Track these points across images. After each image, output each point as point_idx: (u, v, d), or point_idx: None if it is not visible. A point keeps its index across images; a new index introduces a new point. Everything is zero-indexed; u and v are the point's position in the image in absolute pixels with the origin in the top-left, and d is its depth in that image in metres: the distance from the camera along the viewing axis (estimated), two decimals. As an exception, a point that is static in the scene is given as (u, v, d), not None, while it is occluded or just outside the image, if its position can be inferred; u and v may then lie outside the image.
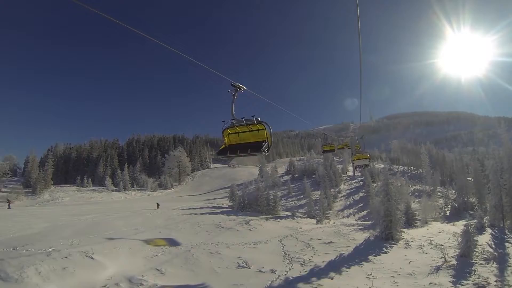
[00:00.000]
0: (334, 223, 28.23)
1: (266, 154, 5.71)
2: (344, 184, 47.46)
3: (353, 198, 40.01)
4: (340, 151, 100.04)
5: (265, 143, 5.57)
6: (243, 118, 5.62)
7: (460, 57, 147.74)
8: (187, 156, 74.00)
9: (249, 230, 20.76)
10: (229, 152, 5.90)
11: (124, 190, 60.69)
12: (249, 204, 31.16)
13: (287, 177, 54.37)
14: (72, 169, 67.74)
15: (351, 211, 35.79)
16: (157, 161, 75.89)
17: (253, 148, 5.64)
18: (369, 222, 26.48)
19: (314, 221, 27.56)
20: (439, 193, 40.90)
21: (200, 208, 33.44)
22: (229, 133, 5.91)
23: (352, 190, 43.33)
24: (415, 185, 47.87)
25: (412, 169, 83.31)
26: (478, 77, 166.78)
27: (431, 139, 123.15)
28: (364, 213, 34.79)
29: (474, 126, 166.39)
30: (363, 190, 42.10)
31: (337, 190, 43.00)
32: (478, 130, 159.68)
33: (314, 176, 49.24)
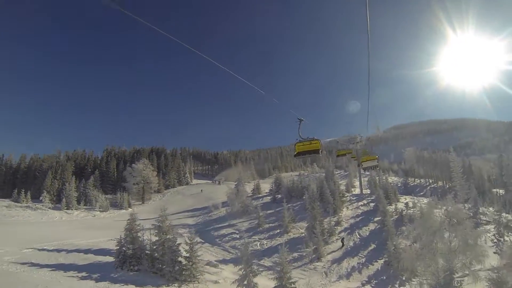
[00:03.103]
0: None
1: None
2: (348, 207, 31.80)
3: (359, 234, 24.33)
4: (343, 161, 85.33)
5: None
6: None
7: (464, 63, 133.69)
8: (153, 170, 59.13)
9: None
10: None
11: (66, 209, 46.17)
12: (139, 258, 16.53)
13: (269, 199, 38.78)
14: (20, 182, 54.46)
15: (355, 261, 20.14)
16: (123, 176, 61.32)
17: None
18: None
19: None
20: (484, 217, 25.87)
21: (86, 250, 18.65)
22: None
23: (358, 219, 27.64)
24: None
25: (430, 182, 67.41)
26: (483, 83, 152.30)
27: (443, 147, 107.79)
28: (379, 265, 19.27)
29: (486, 133, 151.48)
30: (374, 220, 26.46)
31: (335, 219, 27.39)
32: (493, 136, 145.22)
33: (304, 197, 33.54)
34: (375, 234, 23.76)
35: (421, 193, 55.61)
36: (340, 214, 29.12)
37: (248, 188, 46.05)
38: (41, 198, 47.72)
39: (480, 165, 64.36)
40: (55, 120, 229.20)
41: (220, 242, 26.05)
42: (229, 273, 18.36)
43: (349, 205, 32.86)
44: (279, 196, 36.60)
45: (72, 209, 45.77)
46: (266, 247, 23.67)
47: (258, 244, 24.15)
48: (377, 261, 19.66)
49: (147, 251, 17.42)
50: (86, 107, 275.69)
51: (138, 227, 18.17)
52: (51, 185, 52.40)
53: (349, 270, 18.81)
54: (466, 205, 32.34)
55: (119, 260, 17.37)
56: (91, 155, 71.70)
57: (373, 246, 21.99)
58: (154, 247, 17.35)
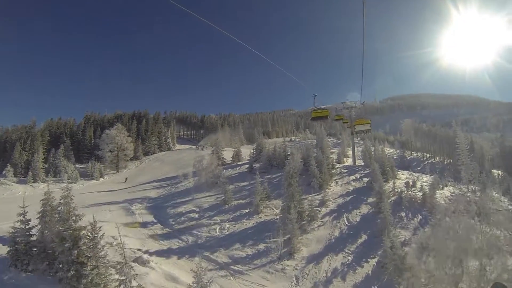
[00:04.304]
0: None
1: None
2: (337, 182, 26.05)
3: (347, 220, 18.65)
4: (338, 129, 79.28)
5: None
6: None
7: (466, 41, 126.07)
8: (128, 136, 52.71)
9: None
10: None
11: (33, 182, 40.64)
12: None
13: (255, 165, 32.70)
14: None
15: (339, 260, 14.53)
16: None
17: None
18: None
19: None
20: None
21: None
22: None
23: (348, 199, 21.91)
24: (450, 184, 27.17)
25: (428, 156, 62.10)
26: (485, 61, 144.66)
27: (441, 122, 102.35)
28: (369, 267, 13.76)
29: (486, 111, 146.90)
30: (367, 201, 20.82)
31: (320, 197, 21.68)
32: (492, 115, 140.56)
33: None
34: (367, 220, 18.14)
35: (418, 168, 50.29)
36: (327, 190, 23.39)
37: (229, 154, 40.14)
38: (4, 172, 41.83)
39: (481, 143, 58.84)
40: (38, 88, 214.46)
41: (173, 223, 20.43)
42: (161, 276, 12.76)
43: (339, 179, 27.06)
44: (256, 165, 30.57)
45: (39, 182, 40.44)
46: (227, 232, 18.02)
47: (217, 229, 18.45)
48: (368, 262, 14.12)
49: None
50: (72, 73, 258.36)
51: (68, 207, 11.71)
52: (19, 157, 46.44)
53: (329, 274, 13.24)
54: (470, 187, 27.05)
55: (11, 256, 11.67)
56: (71, 122, 64.83)
57: (364, 237, 16.40)
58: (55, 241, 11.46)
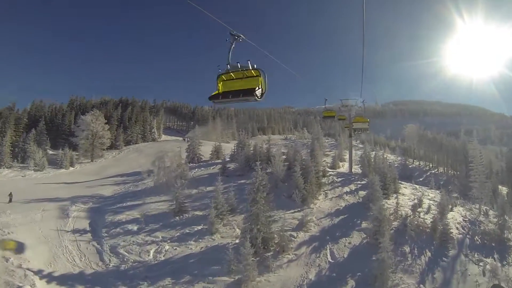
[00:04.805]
0: None
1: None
2: (327, 195, 20.70)
3: (332, 254, 13.29)
4: (337, 129, 73.97)
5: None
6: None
7: (472, 51, 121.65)
8: (106, 123, 47.46)
9: None
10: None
11: None
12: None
13: (230, 166, 27.26)
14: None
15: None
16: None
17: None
18: None
19: None
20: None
21: None
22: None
23: (336, 220, 16.55)
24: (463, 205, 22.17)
25: (431, 166, 56.72)
26: (491, 72, 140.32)
27: (443, 130, 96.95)
28: None
29: (488, 123, 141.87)
30: (361, 225, 15.57)
31: (301, 214, 16.40)
32: (495, 127, 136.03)
33: (269, 171, 22.12)
34: (359, 256, 12.92)
35: (421, 179, 44.97)
36: (311, 206, 18.15)
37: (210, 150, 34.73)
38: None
39: (490, 157, 53.54)
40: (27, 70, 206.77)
41: (105, 235, 15.40)
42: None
43: (330, 190, 21.72)
44: (230, 167, 25.21)
45: (3, 168, 36.20)
46: (162, 258, 12.87)
47: (152, 251, 13.31)
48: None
49: None
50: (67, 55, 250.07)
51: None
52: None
53: None
54: (482, 207, 21.98)
55: None
56: (52, 106, 59.63)
57: (350, 284, 11.23)
58: None
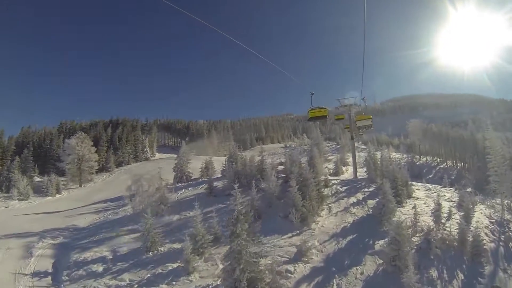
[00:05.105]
0: None
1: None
2: (331, 209, 17.56)
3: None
4: (337, 132, 71.04)
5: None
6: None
7: (465, 40, 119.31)
8: (92, 146, 44.93)
9: None
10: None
11: None
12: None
13: (218, 184, 24.23)
14: None
15: None
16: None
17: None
18: None
19: None
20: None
21: None
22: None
23: (343, 243, 13.53)
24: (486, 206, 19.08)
25: (438, 160, 53.60)
26: (485, 62, 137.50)
27: (445, 122, 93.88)
28: None
29: (489, 110, 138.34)
30: (374, 246, 12.55)
31: (300, 238, 13.43)
32: (497, 113, 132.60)
33: (262, 187, 19.08)
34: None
35: (430, 176, 41.86)
36: (313, 226, 15.17)
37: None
38: None
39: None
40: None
41: (65, 278, 12.54)
42: None
43: (334, 202, 18.65)
44: (219, 186, 22.24)
45: None
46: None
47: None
48: None
49: None
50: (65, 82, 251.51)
51: None
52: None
53: None
54: (505, 201, 19.13)
55: None
56: (40, 131, 57.54)
57: None
58: None
